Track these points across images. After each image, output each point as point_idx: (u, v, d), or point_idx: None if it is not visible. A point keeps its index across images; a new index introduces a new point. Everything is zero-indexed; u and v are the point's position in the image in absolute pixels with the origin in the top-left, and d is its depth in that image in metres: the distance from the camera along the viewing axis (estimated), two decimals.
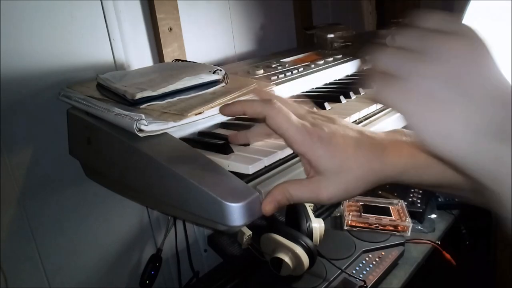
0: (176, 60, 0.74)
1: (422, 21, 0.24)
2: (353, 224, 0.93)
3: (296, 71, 0.75)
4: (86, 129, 0.56)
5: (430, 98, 0.22)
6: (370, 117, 0.60)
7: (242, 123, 0.55)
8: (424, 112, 0.22)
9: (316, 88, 0.76)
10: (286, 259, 0.74)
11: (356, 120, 0.58)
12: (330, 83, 0.79)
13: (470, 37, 0.23)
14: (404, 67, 0.23)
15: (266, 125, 0.37)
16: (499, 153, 0.21)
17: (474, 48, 0.23)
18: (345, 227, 0.93)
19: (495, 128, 0.21)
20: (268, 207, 0.36)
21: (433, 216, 0.99)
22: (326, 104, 0.62)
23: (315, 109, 0.42)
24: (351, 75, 0.84)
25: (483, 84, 0.22)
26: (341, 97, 0.65)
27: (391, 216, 0.93)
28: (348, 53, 0.91)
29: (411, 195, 1.05)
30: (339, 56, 0.88)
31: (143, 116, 0.46)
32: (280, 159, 0.44)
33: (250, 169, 0.41)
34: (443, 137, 0.22)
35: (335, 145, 0.35)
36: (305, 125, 0.35)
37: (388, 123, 0.60)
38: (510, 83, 0.23)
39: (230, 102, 0.35)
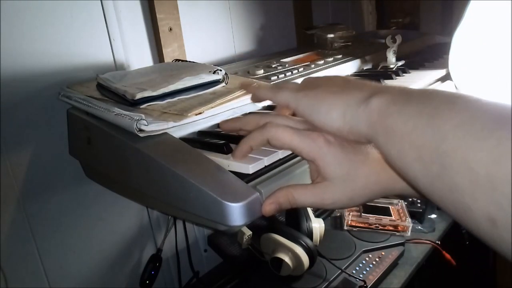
0: (176, 60, 0.74)
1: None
2: (353, 224, 0.93)
3: (296, 71, 0.75)
4: (86, 129, 0.56)
5: (321, 99, 0.34)
6: None
7: None
8: (318, 106, 0.34)
9: None
10: (286, 259, 0.74)
11: None
12: None
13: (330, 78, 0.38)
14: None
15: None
16: (364, 118, 0.30)
17: (328, 78, 0.38)
18: (345, 227, 0.93)
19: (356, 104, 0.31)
20: (268, 208, 0.36)
21: (433, 216, 0.99)
22: None
23: None
24: (351, 75, 0.84)
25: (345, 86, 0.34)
26: None
27: (391, 216, 0.93)
28: (348, 53, 0.91)
29: None
30: (339, 56, 0.88)
31: (143, 116, 0.46)
32: (280, 159, 0.44)
33: (251, 169, 0.41)
34: (326, 114, 0.33)
35: (345, 151, 0.34)
36: (307, 132, 0.35)
37: None
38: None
39: (230, 118, 0.39)
